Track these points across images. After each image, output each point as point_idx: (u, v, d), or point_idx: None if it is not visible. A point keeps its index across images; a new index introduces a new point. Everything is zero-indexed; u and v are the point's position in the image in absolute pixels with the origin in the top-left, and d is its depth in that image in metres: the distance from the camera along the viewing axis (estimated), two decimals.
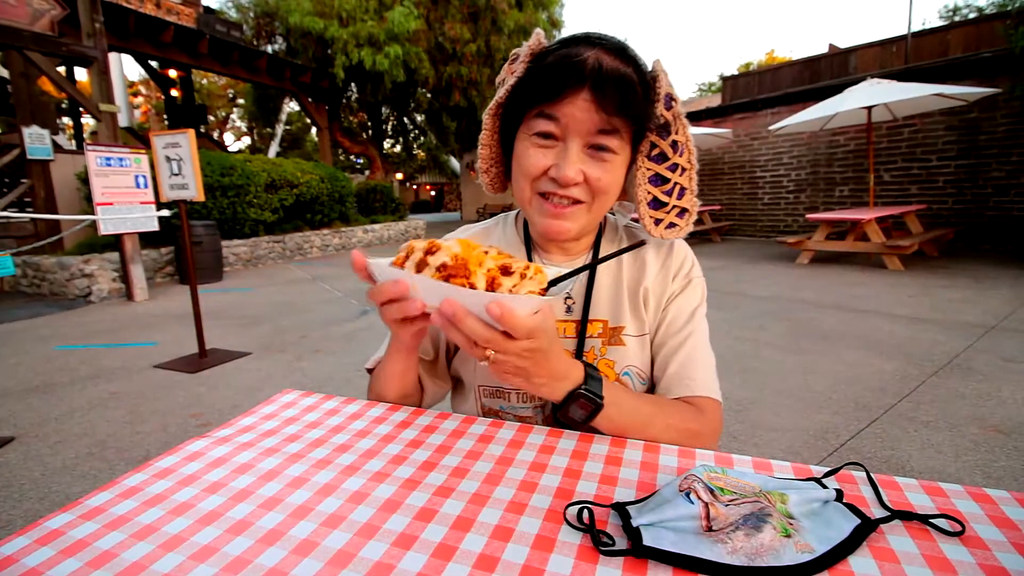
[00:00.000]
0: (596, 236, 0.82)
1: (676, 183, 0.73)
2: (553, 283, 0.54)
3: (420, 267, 0.52)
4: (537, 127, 0.66)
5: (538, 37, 0.70)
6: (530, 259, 0.80)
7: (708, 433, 0.69)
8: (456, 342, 0.52)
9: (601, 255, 0.80)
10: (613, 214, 0.85)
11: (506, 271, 0.52)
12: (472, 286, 0.50)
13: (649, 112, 0.68)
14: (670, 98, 0.69)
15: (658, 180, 0.73)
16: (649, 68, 0.69)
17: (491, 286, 0.51)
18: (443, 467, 0.58)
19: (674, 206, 0.73)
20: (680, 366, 0.74)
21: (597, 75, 0.62)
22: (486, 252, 0.54)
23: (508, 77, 0.71)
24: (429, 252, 0.53)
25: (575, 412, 0.60)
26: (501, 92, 0.71)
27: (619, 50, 0.66)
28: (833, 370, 2.88)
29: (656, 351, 0.77)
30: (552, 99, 0.64)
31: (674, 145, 0.72)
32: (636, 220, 0.81)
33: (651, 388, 0.79)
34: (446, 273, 0.51)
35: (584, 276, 0.79)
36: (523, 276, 0.51)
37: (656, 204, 0.74)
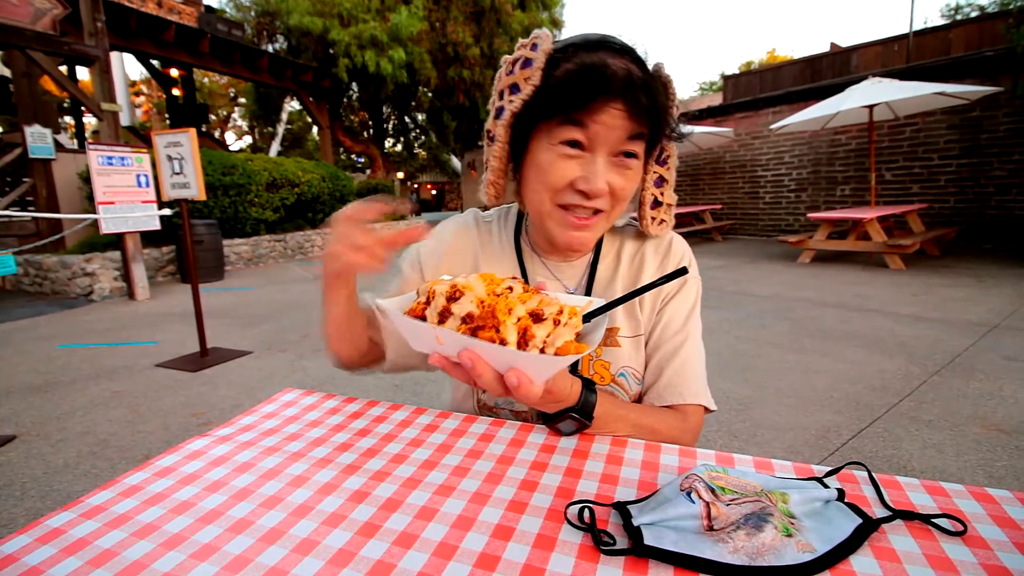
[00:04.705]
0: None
1: (668, 181, 0.75)
2: (587, 318, 0.53)
3: (443, 316, 0.49)
4: (564, 135, 0.63)
5: (548, 39, 0.64)
6: (521, 261, 0.80)
7: (688, 439, 0.71)
8: (463, 381, 0.53)
9: (603, 256, 0.80)
10: None
11: (538, 318, 0.49)
12: (503, 340, 0.47)
13: (668, 118, 0.68)
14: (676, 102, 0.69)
15: (660, 182, 0.75)
16: (651, 69, 0.68)
17: (523, 338, 0.48)
18: (444, 466, 0.58)
19: (667, 204, 0.76)
20: (674, 373, 0.74)
21: (629, 84, 0.61)
22: (510, 288, 0.51)
23: (522, 84, 0.64)
24: (452, 298, 0.49)
25: (564, 426, 0.64)
26: (516, 101, 0.65)
27: (638, 56, 0.65)
28: (835, 369, 2.88)
29: (650, 354, 0.77)
30: (581, 108, 0.61)
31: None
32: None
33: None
34: (473, 325, 0.48)
35: (584, 277, 0.79)
36: (556, 322, 0.48)
37: (655, 204, 0.75)
